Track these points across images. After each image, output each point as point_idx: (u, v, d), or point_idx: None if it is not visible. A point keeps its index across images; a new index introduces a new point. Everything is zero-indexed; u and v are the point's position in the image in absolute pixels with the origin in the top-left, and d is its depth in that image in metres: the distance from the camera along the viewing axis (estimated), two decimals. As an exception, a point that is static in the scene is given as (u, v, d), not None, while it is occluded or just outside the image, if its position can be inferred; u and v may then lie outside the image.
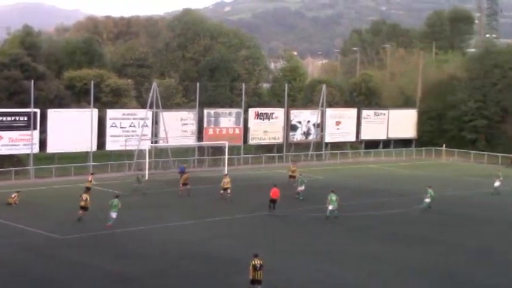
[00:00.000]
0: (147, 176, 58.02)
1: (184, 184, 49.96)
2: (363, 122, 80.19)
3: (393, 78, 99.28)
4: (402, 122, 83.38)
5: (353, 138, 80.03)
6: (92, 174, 51.48)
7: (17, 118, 58.07)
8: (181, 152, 68.70)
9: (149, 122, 64.77)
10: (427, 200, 46.39)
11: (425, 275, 30.72)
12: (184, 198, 48.14)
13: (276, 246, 35.41)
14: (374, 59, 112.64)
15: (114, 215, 38.78)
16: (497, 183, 55.01)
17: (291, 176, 54.61)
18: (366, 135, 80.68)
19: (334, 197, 42.50)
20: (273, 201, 43.95)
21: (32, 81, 59.57)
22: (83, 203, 40.11)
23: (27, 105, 59.27)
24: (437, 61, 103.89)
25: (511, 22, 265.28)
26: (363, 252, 34.47)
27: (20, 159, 60.69)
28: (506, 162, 73.83)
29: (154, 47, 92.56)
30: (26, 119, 58.13)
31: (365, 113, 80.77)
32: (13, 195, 45.19)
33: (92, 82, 63.13)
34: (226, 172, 54.86)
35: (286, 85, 77.44)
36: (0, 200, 45.63)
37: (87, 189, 44.40)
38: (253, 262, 26.54)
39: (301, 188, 50.27)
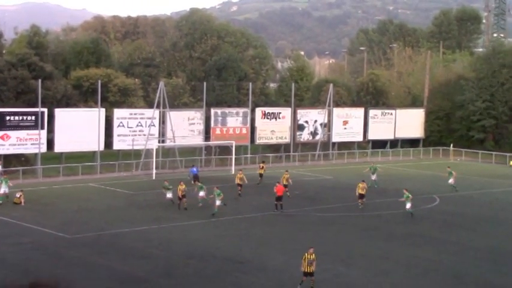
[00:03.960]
0: (154, 175, 58.12)
1: (286, 186, 49.04)
2: (370, 121, 79.97)
3: (400, 78, 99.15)
4: (409, 122, 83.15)
5: (360, 138, 79.80)
6: (21, 191, 46.21)
7: (25, 118, 58.21)
8: (189, 151, 68.76)
9: (156, 122, 64.84)
10: (408, 206, 43.35)
11: (433, 274, 30.63)
12: (192, 199, 47.86)
13: (284, 245, 35.39)
14: (381, 59, 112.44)
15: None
16: (451, 180, 55.21)
17: (260, 175, 55.89)
18: (373, 135, 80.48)
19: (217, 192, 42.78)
20: (278, 198, 43.91)
21: (40, 80, 59.74)
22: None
23: (34, 105, 59.42)
24: (445, 61, 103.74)
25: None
26: (370, 252, 34.40)
27: (28, 158, 60.85)
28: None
29: (162, 46, 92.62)
30: (33, 118, 58.26)
31: (372, 112, 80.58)
32: (18, 195, 45.30)
33: (99, 82, 63.24)
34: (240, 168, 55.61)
35: (293, 85, 77.35)
36: (10, 198, 45.69)
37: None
38: (306, 255, 27.94)
39: (374, 177, 55.49)
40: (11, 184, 46.18)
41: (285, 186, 48.98)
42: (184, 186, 44.51)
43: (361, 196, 45.63)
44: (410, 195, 43.37)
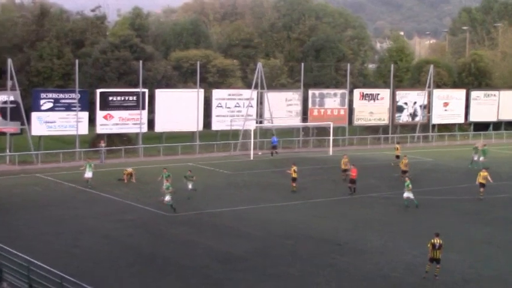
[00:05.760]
0: (251, 156, 58.62)
1: (405, 171, 47.57)
2: (472, 103, 77.87)
3: (505, 58, 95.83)
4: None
5: (461, 120, 77.92)
6: (131, 173, 47.21)
7: (127, 98, 59.65)
8: (286, 132, 68.86)
9: (254, 103, 65.15)
10: (409, 195, 39.81)
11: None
12: (286, 180, 47.59)
13: (381, 228, 35.00)
14: (484, 39, 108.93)
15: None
16: (481, 158, 54.55)
17: (397, 156, 54.51)
18: (475, 117, 78.35)
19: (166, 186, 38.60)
20: (352, 181, 43.26)
21: (141, 61, 61.02)
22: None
23: (136, 86, 60.82)
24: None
25: None
26: (472, 236, 33.60)
27: (130, 138, 62.42)
28: None
29: (260, 27, 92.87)
30: (135, 98, 59.60)
31: (474, 94, 78.39)
32: (126, 172, 46.54)
33: (198, 63, 63.98)
34: (345, 153, 52.98)
35: (392, 66, 76.08)
36: (113, 176, 47.02)
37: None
38: (432, 241, 26.89)
39: (482, 158, 54.37)
40: (98, 161, 46.55)
41: (404, 172, 47.55)
42: (295, 168, 44.15)
43: (482, 185, 42.80)
44: (410, 185, 39.96)
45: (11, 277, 23.98)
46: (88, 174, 44.58)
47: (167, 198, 37.64)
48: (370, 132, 73.40)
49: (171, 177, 39.96)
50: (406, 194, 39.81)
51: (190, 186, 41.07)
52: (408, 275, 27.37)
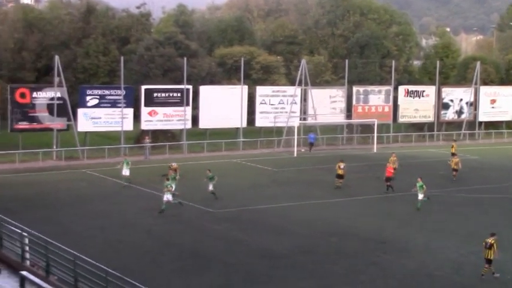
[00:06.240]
0: (295, 153, 58.49)
1: (455, 170, 47.17)
2: (520, 100, 76.57)
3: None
4: None
5: (509, 118, 76.62)
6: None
7: (171, 94, 60.00)
8: (330, 129, 68.53)
9: (298, 99, 64.99)
10: (420, 196, 38.32)
11: None
12: (330, 177, 47.31)
13: (426, 226, 34.59)
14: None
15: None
16: None
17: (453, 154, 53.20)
18: (523, 115, 77.08)
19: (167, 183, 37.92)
20: (387, 179, 42.73)
21: (185, 58, 61.25)
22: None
23: (180, 82, 61.08)
24: None
25: None
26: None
27: (174, 134, 62.75)
28: None
29: (304, 24, 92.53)
30: (179, 95, 59.90)
31: (523, 91, 77.05)
32: (174, 165, 46.49)
33: (243, 59, 64.03)
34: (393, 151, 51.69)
35: (438, 62, 75.19)
36: (158, 172, 47.28)
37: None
38: (486, 240, 26.54)
39: None
40: (143, 157, 46.31)
41: (455, 170, 46.98)
42: (341, 164, 43.94)
43: None
44: (424, 186, 38.50)
45: (58, 271, 24.27)
46: (125, 172, 44.10)
47: (166, 197, 36.77)
48: (415, 129, 72.68)
49: (176, 179, 39.88)
50: (420, 196, 38.54)
51: (210, 188, 40.01)
52: (454, 274, 26.98)
